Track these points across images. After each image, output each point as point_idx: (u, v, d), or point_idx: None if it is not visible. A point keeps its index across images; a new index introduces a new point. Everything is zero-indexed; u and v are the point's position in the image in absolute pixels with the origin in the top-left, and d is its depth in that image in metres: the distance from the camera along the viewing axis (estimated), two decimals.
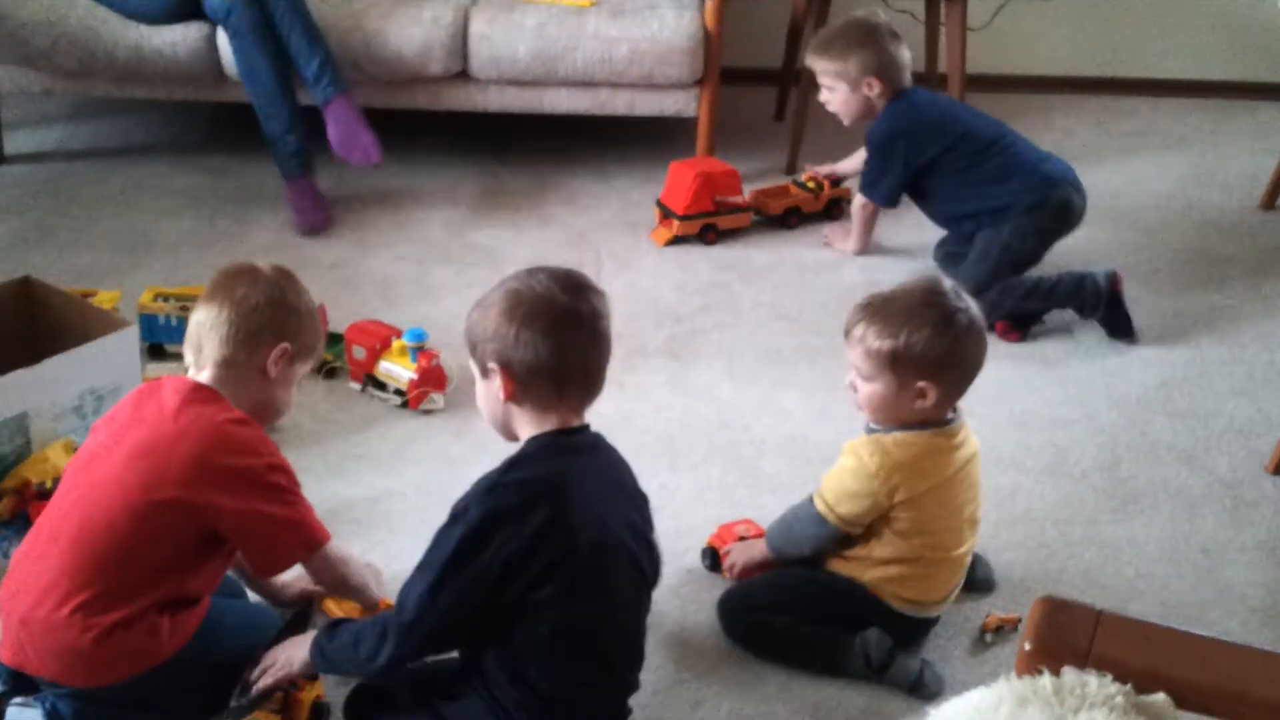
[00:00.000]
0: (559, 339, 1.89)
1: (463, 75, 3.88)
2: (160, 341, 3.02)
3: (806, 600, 2.28)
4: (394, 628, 1.90)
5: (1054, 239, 3.33)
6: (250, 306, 2.08)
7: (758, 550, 2.38)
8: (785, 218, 3.79)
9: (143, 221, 3.70)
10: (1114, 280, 3.23)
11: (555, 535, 1.84)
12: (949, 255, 3.47)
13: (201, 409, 2.01)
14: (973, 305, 2.23)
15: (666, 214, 3.70)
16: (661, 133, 4.21)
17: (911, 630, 2.30)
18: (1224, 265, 3.66)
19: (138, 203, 3.81)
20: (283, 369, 2.11)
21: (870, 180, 3.50)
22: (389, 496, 2.64)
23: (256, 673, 2.06)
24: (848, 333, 2.24)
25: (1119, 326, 3.26)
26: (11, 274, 2.92)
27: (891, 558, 2.25)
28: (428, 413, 2.91)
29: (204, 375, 2.08)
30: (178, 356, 2.99)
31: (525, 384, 1.91)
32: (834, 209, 3.84)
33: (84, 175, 3.97)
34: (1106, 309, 3.24)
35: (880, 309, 2.22)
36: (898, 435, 2.23)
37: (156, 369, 2.92)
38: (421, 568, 1.89)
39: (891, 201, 3.50)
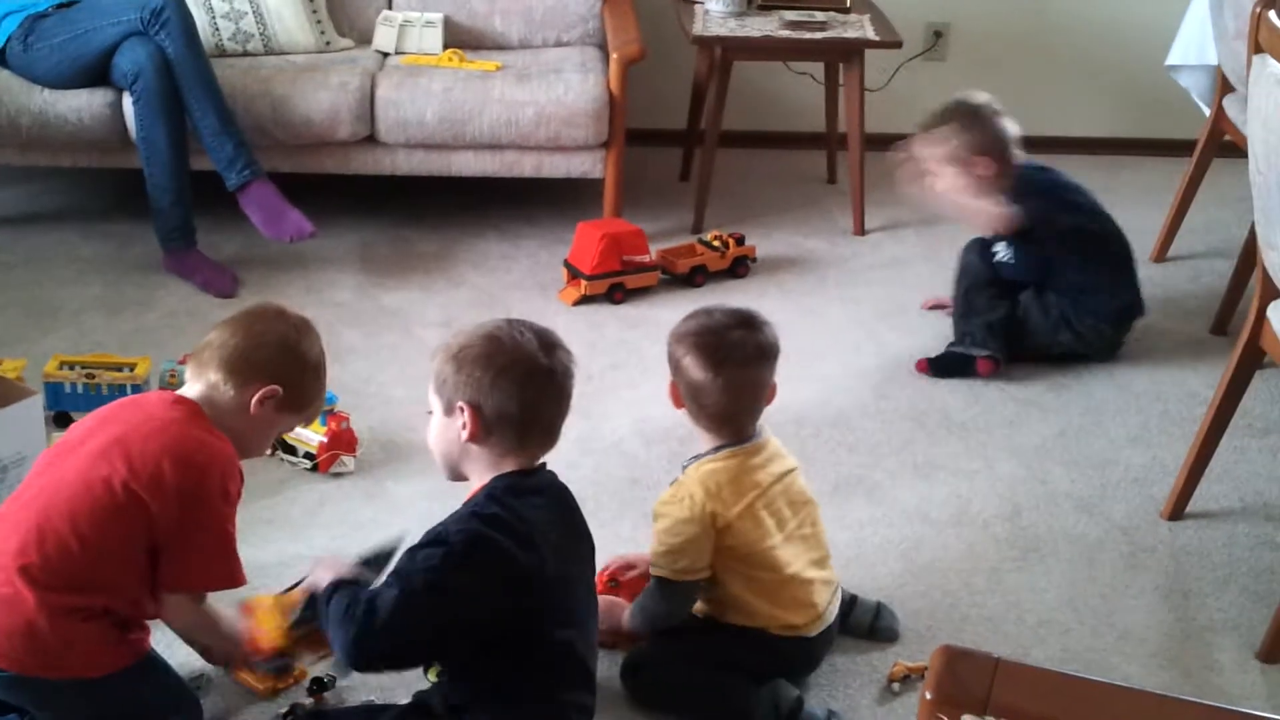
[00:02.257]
0: (531, 392, 2.01)
1: (370, 139, 3.91)
2: (66, 410, 3.00)
3: (703, 649, 2.31)
4: (365, 628, 1.91)
5: None
6: (258, 341, 2.11)
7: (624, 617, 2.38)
8: (692, 276, 3.84)
9: (49, 289, 3.67)
10: None
11: (522, 569, 1.95)
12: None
13: (180, 416, 2.06)
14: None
15: (574, 274, 3.74)
16: (569, 194, 4.26)
17: (801, 654, 2.34)
18: None
19: (44, 270, 3.78)
20: (267, 411, 2.12)
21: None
22: (299, 561, 2.61)
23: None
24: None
25: None
26: None
27: (740, 592, 2.30)
28: (338, 476, 2.91)
29: (193, 391, 2.11)
30: None
31: (491, 429, 2.01)
32: (739, 267, 3.91)
33: None
34: None
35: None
36: (699, 465, 2.32)
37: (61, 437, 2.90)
38: (397, 575, 1.96)
39: None
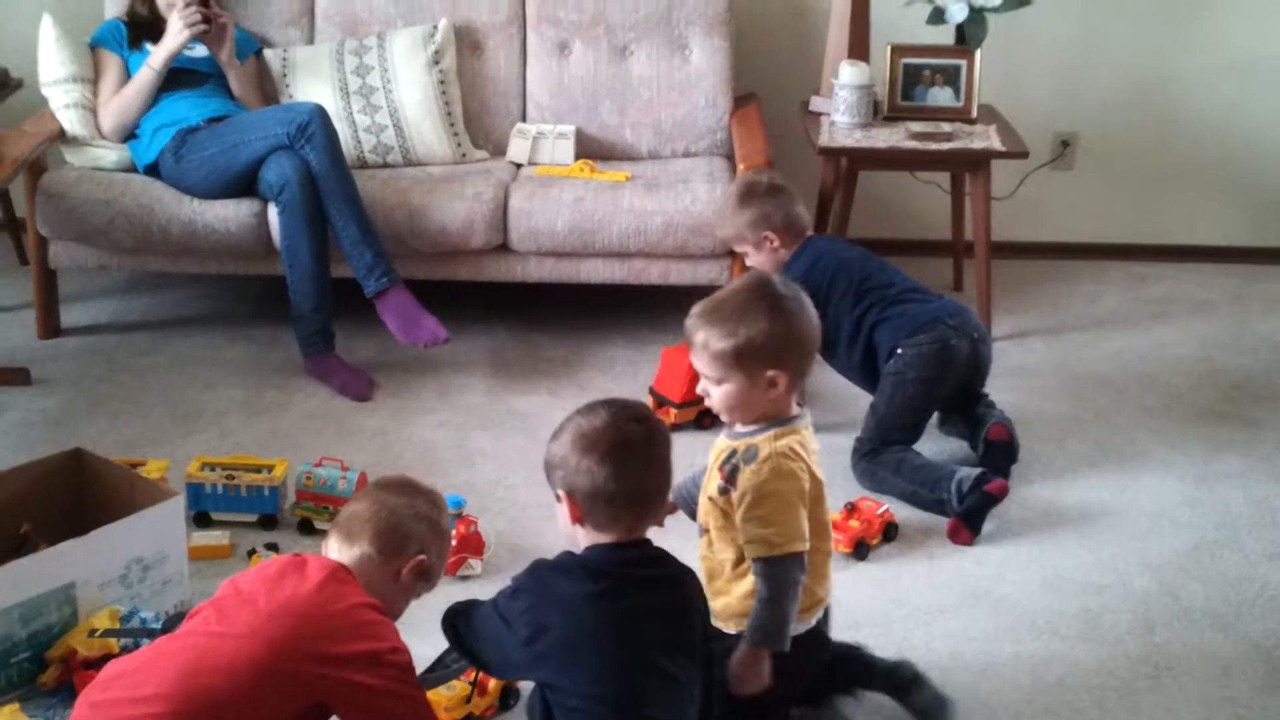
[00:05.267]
0: (612, 465, 2.09)
1: (503, 248, 4.00)
2: (206, 510, 3.09)
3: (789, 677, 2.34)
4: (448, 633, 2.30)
5: (938, 387, 3.35)
6: (409, 514, 2.27)
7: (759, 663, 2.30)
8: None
9: (193, 391, 3.80)
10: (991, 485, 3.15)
11: (560, 619, 2.09)
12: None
13: (341, 589, 2.15)
14: (799, 291, 2.36)
15: (661, 402, 3.66)
16: (695, 301, 4.28)
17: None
18: (1252, 429, 3.69)
19: (188, 373, 3.92)
20: (411, 579, 2.26)
21: None
22: (427, 663, 2.66)
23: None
24: (690, 341, 2.36)
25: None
26: (64, 444, 3.02)
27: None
28: (465, 579, 2.95)
29: (347, 558, 2.22)
30: (223, 525, 3.07)
31: (586, 509, 2.12)
32: None
33: (137, 346, 4.09)
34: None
35: (714, 311, 2.34)
36: (771, 439, 2.29)
37: (202, 537, 2.99)
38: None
39: None
